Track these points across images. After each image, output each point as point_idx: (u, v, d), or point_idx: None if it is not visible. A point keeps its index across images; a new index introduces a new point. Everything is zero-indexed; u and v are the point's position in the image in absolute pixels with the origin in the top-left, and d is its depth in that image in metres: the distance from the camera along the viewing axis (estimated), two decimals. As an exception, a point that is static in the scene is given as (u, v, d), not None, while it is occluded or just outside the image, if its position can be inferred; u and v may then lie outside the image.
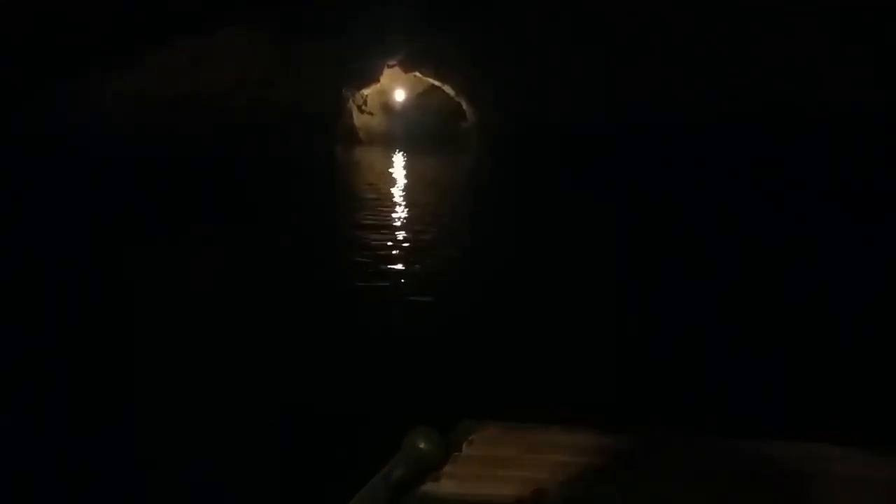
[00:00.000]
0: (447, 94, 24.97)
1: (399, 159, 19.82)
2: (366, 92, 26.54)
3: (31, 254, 6.33)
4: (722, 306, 4.53)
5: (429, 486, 1.43)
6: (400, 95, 28.36)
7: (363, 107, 27.57)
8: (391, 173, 15.25)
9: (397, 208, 9.55)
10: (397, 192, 11.53)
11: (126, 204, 9.54)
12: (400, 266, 5.85)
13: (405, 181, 13.33)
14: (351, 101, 25.93)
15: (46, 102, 10.59)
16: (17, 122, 10.31)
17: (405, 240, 7.08)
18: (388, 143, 26.03)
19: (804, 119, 9.56)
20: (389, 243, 6.75)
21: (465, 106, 24.45)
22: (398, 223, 8.23)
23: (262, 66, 16.33)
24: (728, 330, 4.02)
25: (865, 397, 3.02)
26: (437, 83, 24.68)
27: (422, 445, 1.55)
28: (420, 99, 28.04)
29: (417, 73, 24.55)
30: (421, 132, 26.95)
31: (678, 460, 1.54)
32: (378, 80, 24.91)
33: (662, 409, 2.89)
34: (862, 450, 1.55)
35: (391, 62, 23.60)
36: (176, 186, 11.17)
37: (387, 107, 28.66)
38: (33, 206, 9.03)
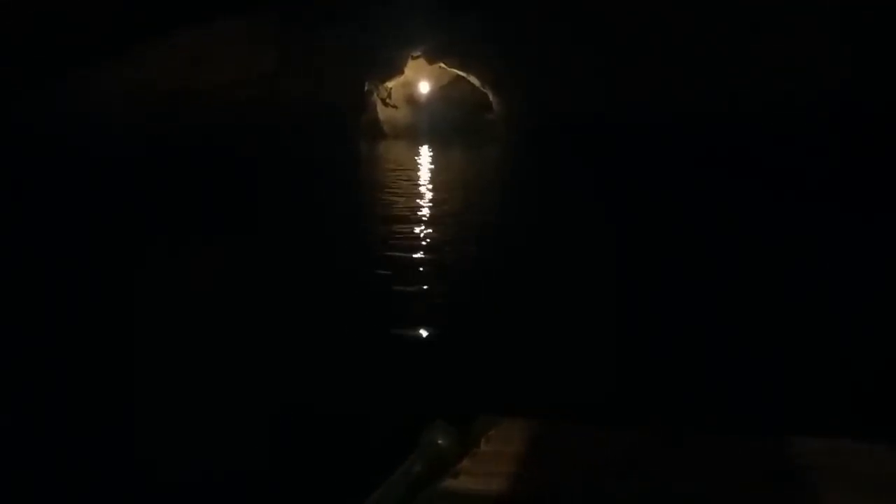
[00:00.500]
0: (472, 85, 24.53)
1: (425, 153, 19.55)
2: (390, 84, 26.10)
3: (30, 254, 6.35)
4: (722, 306, 4.52)
5: (448, 483, 1.47)
6: (424, 87, 27.93)
7: (387, 100, 27.03)
8: (417, 170, 14.97)
9: (419, 206, 9.46)
10: (422, 190, 11.36)
11: (130, 204, 9.55)
12: (414, 266, 5.85)
13: (429, 178, 13.06)
14: (375, 94, 25.39)
15: (46, 101, 10.52)
16: (16, 121, 10.24)
17: (423, 236, 7.09)
18: (414, 137, 25.82)
19: (804, 119, 9.47)
20: (407, 242, 6.74)
21: (491, 97, 23.95)
22: (418, 220, 8.20)
23: (282, 59, 16.02)
24: (728, 329, 4.02)
25: (866, 396, 3.02)
26: (462, 74, 24.20)
27: (440, 442, 1.60)
28: (445, 90, 27.60)
29: (442, 64, 24.04)
30: (446, 125, 26.66)
31: (692, 458, 1.58)
32: (402, 72, 24.39)
33: (664, 408, 2.91)
34: (874, 445, 1.60)
35: (415, 53, 23.06)
36: (194, 187, 11.05)
37: (411, 99, 28.28)
38: (33, 206, 9.07)
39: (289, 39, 15.40)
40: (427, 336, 4.06)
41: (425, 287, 5.16)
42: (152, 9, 10.64)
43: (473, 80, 23.87)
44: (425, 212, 8.82)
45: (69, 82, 10.64)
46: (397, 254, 6.18)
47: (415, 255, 6.17)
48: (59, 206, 9.17)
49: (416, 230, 7.46)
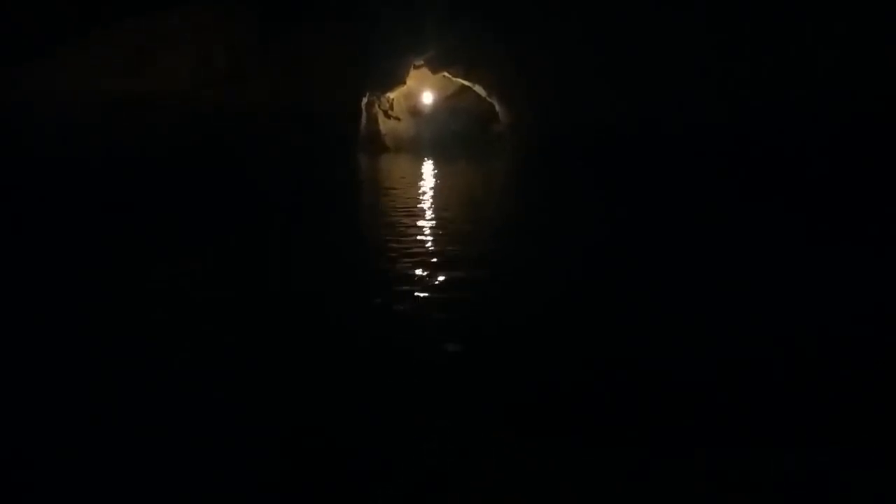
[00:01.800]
0: (478, 95, 23.77)
1: (429, 167, 18.56)
2: (391, 95, 25.62)
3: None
4: (724, 310, 4.40)
5: None
6: (428, 98, 27.20)
7: (389, 111, 26.60)
8: (420, 187, 13.88)
9: (422, 223, 8.39)
10: (428, 211, 10.16)
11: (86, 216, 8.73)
12: (424, 294, 5.08)
13: (435, 196, 11.95)
14: (376, 105, 25.05)
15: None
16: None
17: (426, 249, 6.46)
18: (417, 150, 24.84)
19: (805, 119, 9.40)
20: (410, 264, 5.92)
21: (497, 107, 23.20)
22: (422, 237, 7.31)
23: (282, 71, 15.50)
24: (733, 337, 3.91)
25: (869, 404, 2.99)
26: (467, 83, 23.51)
27: (432, 466, 1.80)
28: (449, 101, 26.83)
29: (446, 74, 23.38)
30: (451, 137, 25.91)
31: (692, 477, 1.75)
32: (404, 82, 23.80)
33: (664, 419, 2.74)
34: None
35: (418, 62, 22.61)
36: (157, 207, 10.03)
37: (414, 110, 27.58)
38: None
39: (275, 40, 14.77)
40: (428, 357, 3.76)
41: (430, 311, 4.59)
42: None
43: (479, 89, 23.02)
44: (431, 241, 7.57)
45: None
46: (404, 288, 5.23)
47: (421, 291, 5.19)
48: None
49: (420, 258, 6.30)
